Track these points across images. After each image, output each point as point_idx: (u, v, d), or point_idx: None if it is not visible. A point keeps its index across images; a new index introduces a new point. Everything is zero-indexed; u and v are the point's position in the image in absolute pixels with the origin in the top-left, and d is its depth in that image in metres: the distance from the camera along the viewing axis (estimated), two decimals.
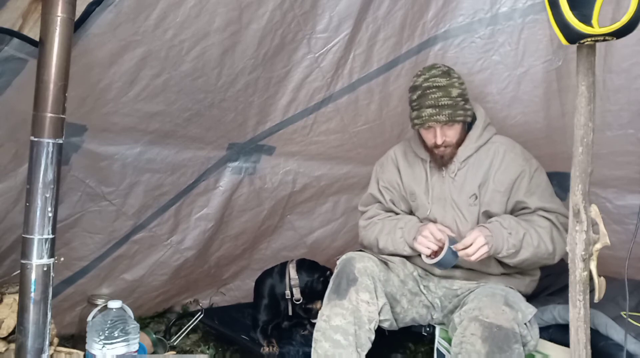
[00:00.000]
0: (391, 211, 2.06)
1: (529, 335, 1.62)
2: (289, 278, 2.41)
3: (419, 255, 1.87)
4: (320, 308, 1.84)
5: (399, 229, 1.92)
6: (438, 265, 1.80)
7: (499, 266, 1.87)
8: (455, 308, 1.81)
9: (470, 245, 1.71)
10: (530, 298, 1.90)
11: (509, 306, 1.62)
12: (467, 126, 1.92)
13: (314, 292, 2.38)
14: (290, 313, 2.44)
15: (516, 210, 1.88)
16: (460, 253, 1.74)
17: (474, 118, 1.92)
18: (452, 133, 1.84)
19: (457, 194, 1.88)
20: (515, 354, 1.54)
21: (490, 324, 1.56)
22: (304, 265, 2.45)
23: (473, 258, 1.72)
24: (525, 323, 1.62)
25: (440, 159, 1.90)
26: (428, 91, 1.80)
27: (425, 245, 1.80)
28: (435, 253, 1.79)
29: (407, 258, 1.98)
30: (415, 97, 1.84)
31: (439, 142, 1.83)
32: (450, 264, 1.79)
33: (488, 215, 1.85)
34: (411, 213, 2.03)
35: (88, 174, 1.93)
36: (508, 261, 1.79)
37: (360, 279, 1.74)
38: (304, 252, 2.76)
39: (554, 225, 1.80)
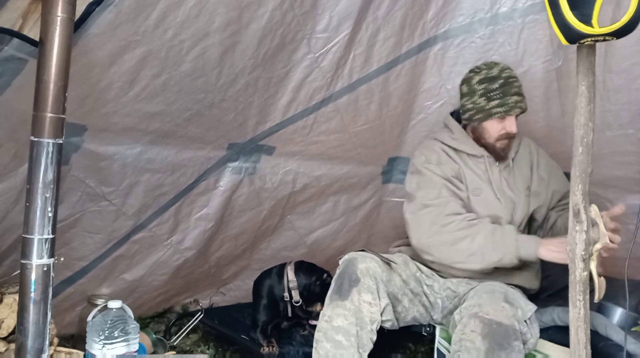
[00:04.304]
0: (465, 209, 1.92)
1: (529, 332, 1.62)
2: (287, 281, 2.41)
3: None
4: (319, 310, 1.83)
5: (510, 240, 1.75)
6: None
7: None
8: (456, 307, 1.81)
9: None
10: (530, 298, 1.91)
11: (509, 303, 1.62)
12: None
13: (313, 295, 2.37)
14: (289, 314, 2.44)
15: (563, 199, 1.96)
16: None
17: None
18: (517, 124, 1.89)
19: (514, 189, 1.94)
20: (515, 351, 1.54)
21: (490, 321, 1.56)
22: (302, 267, 2.44)
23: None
24: (525, 321, 1.62)
25: (501, 151, 1.93)
26: (511, 80, 1.86)
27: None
28: None
29: (412, 257, 1.99)
30: (496, 86, 1.85)
31: (515, 130, 1.87)
32: None
33: (534, 206, 1.93)
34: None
35: (88, 174, 1.93)
36: None
37: (363, 280, 1.74)
38: (304, 252, 2.76)
39: None
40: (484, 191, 1.93)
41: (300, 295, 2.39)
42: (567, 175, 1.32)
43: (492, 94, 1.85)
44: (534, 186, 1.97)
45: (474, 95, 1.89)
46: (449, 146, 2.00)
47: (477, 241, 1.77)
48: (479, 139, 1.94)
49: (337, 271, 1.83)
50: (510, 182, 1.95)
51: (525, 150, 2.02)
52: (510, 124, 1.87)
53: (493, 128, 1.89)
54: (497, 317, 1.57)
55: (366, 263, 1.78)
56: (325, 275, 2.37)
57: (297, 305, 2.40)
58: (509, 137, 1.90)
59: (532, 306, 1.69)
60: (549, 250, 1.69)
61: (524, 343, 1.60)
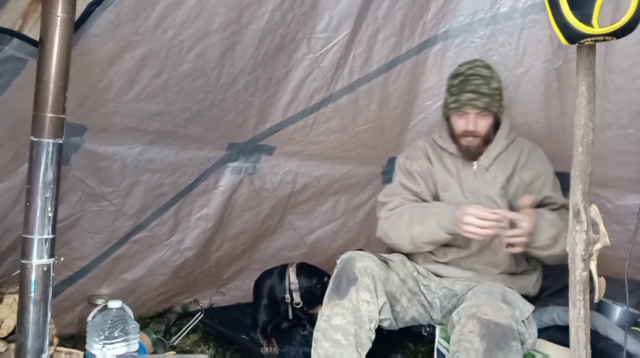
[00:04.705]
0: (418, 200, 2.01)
1: (527, 332, 1.62)
2: (289, 282, 2.41)
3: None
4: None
5: (432, 214, 1.86)
6: None
7: (513, 265, 1.90)
8: (454, 308, 1.81)
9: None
10: (530, 298, 1.90)
11: (507, 304, 1.62)
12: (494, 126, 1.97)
13: (314, 297, 2.37)
14: (290, 316, 2.44)
15: (542, 206, 1.92)
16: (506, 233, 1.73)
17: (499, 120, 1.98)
18: (483, 124, 1.90)
19: (490, 189, 1.93)
20: (514, 351, 1.54)
21: (489, 321, 1.56)
22: (303, 269, 2.44)
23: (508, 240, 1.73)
24: (523, 321, 1.62)
25: (466, 150, 1.94)
26: (471, 78, 1.87)
27: (475, 231, 1.73)
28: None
29: (409, 257, 1.98)
30: (456, 82, 1.90)
31: (471, 128, 1.88)
32: None
33: (511, 208, 1.90)
34: None
35: (88, 174, 1.93)
36: (539, 252, 1.81)
37: (361, 279, 1.74)
38: (304, 252, 2.76)
39: None
40: (451, 188, 1.96)
41: (301, 297, 2.39)
42: (567, 175, 1.32)
43: (452, 89, 1.92)
44: (512, 188, 1.93)
45: (446, 91, 1.98)
46: (436, 144, 2.04)
47: (404, 223, 1.90)
48: (453, 136, 1.98)
49: (335, 270, 1.82)
50: (488, 182, 1.94)
51: (514, 152, 1.98)
52: (467, 122, 1.89)
53: (455, 124, 1.94)
54: (495, 318, 1.57)
55: (364, 262, 1.78)
56: (326, 279, 2.36)
57: (298, 306, 2.40)
58: (475, 136, 1.90)
59: (530, 307, 1.69)
60: (460, 224, 1.73)
61: (522, 343, 1.60)
